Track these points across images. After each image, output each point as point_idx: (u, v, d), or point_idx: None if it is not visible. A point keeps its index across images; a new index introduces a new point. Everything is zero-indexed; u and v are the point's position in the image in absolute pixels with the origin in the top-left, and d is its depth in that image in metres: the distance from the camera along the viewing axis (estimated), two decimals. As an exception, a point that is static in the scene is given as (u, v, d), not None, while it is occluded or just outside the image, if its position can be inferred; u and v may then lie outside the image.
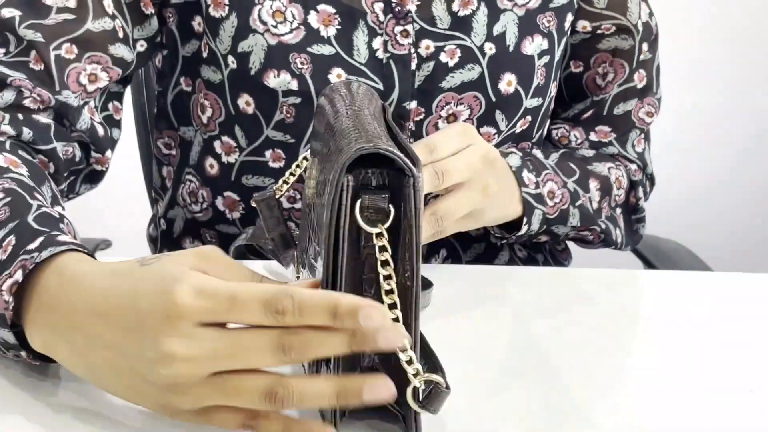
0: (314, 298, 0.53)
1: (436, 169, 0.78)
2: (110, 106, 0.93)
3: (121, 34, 0.89)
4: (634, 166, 1.06)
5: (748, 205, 2.30)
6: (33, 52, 0.84)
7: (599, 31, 1.00)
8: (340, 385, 0.54)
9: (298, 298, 0.53)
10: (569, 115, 1.06)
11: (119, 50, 0.89)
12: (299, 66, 0.89)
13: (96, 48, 0.87)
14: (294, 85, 0.89)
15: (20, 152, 0.79)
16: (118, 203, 1.96)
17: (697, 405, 0.68)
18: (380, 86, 0.91)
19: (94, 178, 0.94)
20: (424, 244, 0.86)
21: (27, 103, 0.84)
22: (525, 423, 0.65)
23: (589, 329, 0.80)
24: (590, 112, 1.04)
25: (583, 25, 0.99)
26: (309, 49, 0.89)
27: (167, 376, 0.55)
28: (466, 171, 0.80)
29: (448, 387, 0.58)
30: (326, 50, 0.90)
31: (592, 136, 1.04)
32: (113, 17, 0.88)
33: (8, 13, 0.84)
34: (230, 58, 0.90)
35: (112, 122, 0.93)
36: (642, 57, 1.02)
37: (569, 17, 0.97)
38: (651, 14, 1.02)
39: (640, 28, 1.00)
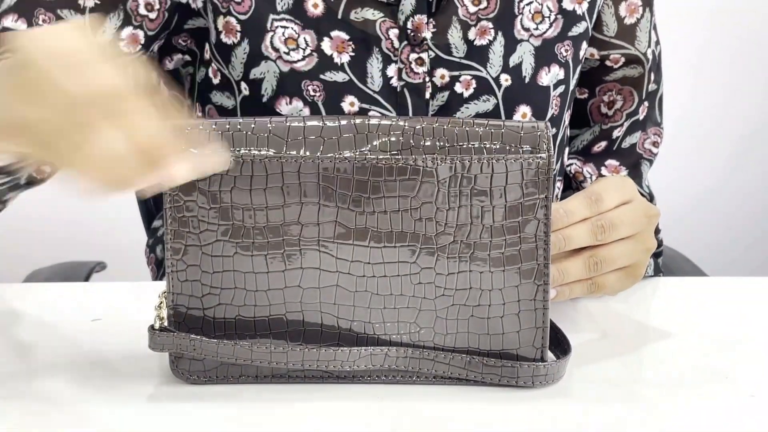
0: None
1: (603, 222, 0.77)
2: None
3: None
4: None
5: (740, 210, 2.30)
6: None
7: (608, 62, 0.99)
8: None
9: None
10: (578, 147, 1.05)
11: None
12: (311, 93, 0.88)
13: None
14: (306, 112, 0.88)
15: None
16: (112, 226, 1.96)
17: (697, 411, 0.68)
18: (394, 115, 0.89)
19: (32, 182, 0.91)
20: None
21: None
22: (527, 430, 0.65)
23: (584, 336, 0.80)
24: (602, 145, 1.04)
25: (591, 52, 0.98)
26: (322, 76, 0.88)
27: None
28: (631, 226, 0.79)
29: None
30: (339, 77, 0.88)
31: (603, 171, 1.03)
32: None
33: None
34: (243, 85, 0.90)
35: None
36: (650, 88, 1.02)
37: (584, 45, 0.96)
38: (657, 42, 1.02)
39: (650, 56, 1.00)
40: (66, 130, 0.57)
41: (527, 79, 0.92)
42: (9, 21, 0.85)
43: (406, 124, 0.68)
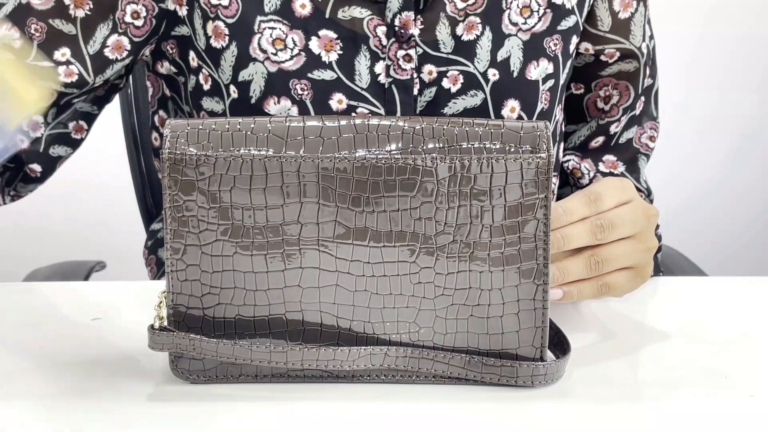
0: None
1: (602, 221, 0.77)
2: (71, 124, 0.94)
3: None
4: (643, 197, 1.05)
5: (739, 208, 2.30)
6: None
7: (603, 57, 0.99)
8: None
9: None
10: (576, 142, 1.05)
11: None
12: (299, 92, 0.89)
13: None
14: (294, 111, 0.89)
15: None
16: (112, 225, 1.96)
17: (697, 411, 0.68)
18: (382, 111, 0.90)
19: (28, 180, 0.95)
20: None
21: None
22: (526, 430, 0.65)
23: (584, 336, 0.80)
24: (599, 140, 1.04)
25: (586, 47, 0.99)
26: (309, 75, 0.89)
27: None
28: (631, 226, 0.78)
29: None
30: (327, 75, 0.89)
31: (601, 167, 1.04)
32: (66, 63, 0.88)
33: None
34: (232, 88, 0.90)
35: (65, 140, 0.94)
36: (646, 83, 1.02)
37: (574, 39, 0.96)
38: (651, 37, 1.02)
39: (644, 51, 1.00)
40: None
41: (515, 74, 0.92)
42: (2, 30, 0.86)
43: (406, 124, 0.68)
